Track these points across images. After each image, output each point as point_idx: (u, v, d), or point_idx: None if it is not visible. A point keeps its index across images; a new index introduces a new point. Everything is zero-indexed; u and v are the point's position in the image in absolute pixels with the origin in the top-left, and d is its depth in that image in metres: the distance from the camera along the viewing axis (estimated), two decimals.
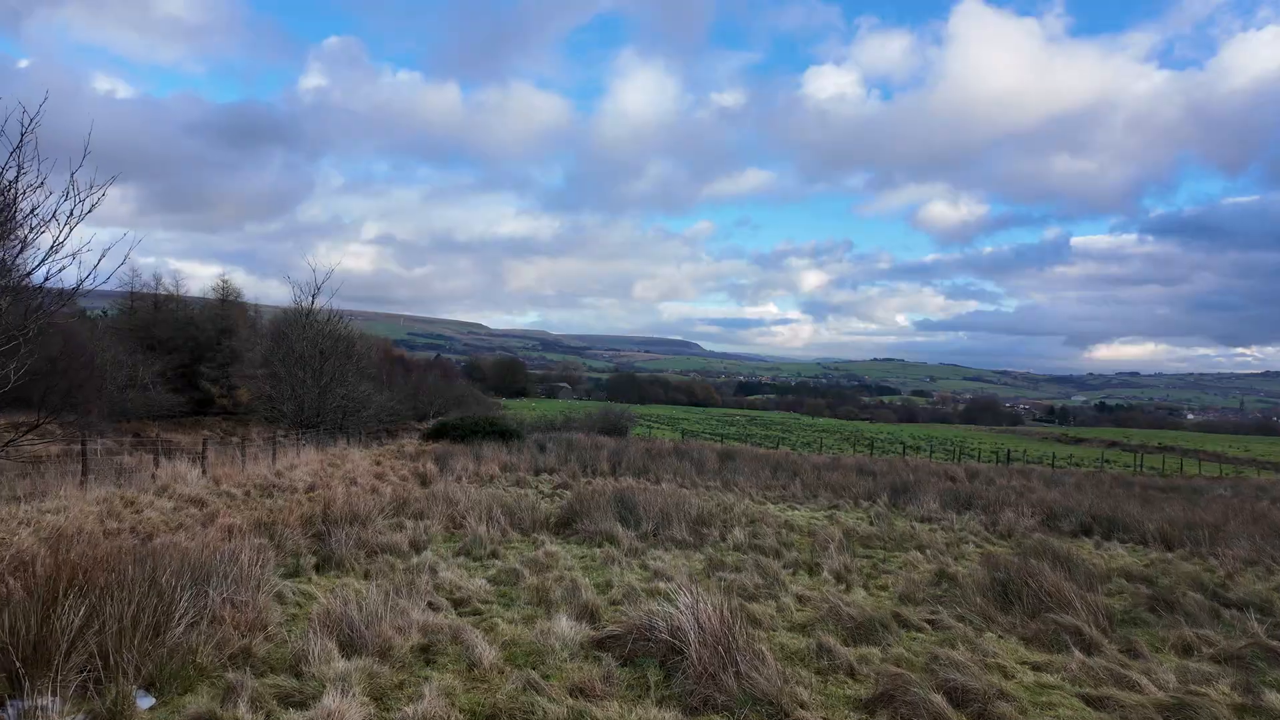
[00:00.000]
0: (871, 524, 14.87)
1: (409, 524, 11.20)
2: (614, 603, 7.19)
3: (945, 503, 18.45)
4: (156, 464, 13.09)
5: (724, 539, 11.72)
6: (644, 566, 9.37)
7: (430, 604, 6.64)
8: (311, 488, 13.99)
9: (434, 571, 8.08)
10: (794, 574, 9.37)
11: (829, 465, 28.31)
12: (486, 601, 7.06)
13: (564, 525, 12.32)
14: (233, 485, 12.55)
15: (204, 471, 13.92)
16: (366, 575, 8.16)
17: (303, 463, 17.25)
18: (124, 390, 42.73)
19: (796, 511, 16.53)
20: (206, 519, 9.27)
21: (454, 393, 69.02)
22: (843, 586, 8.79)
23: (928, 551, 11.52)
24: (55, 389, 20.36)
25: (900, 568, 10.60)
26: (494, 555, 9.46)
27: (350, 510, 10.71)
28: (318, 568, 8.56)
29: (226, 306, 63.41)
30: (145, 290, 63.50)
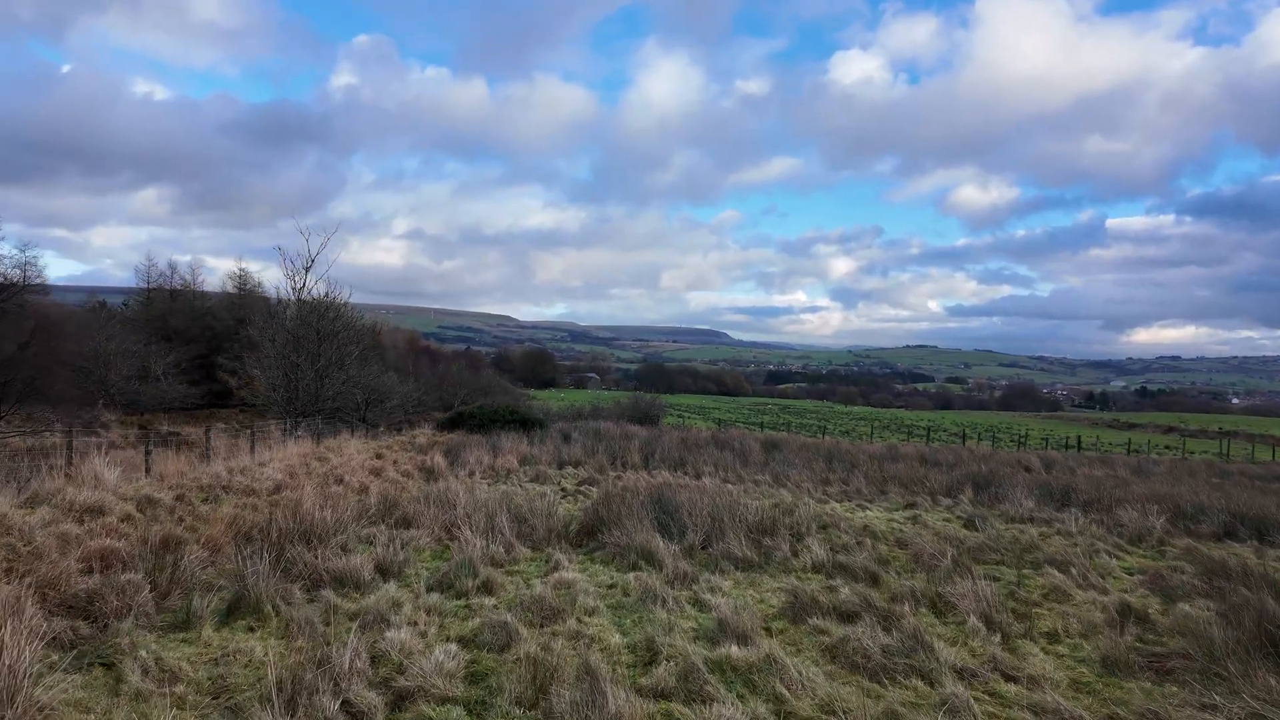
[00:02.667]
0: (968, 528, 11.95)
1: (385, 537, 8.53)
2: (662, 695, 4.36)
3: (1040, 499, 15.44)
4: (69, 460, 10.43)
5: (795, 554, 8.90)
6: (698, 604, 6.57)
7: (344, 707, 3.88)
8: (278, 488, 11.36)
9: (384, 624, 5.32)
10: (915, 612, 6.50)
11: (887, 455, 25.21)
12: (446, 699, 4.21)
13: (587, 535, 9.65)
14: (166, 488, 9.91)
15: (147, 470, 11.36)
16: (287, 629, 5.44)
17: (283, 457, 14.66)
18: (131, 381, 40.89)
19: (869, 512, 13.65)
20: (80, 539, 6.65)
21: (480, 383, 66.82)
22: (998, 638, 5.91)
23: (1073, 571, 8.57)
24: (18, 377, 18.03)
25: (1047, 597, 7.70)
26: (485, 588, 6.68)
27: (303, 521, 8.05)
28: (229, 611, 5.88)
29: (244, 297, 61.60)
30: (162, 282, 62.12)
